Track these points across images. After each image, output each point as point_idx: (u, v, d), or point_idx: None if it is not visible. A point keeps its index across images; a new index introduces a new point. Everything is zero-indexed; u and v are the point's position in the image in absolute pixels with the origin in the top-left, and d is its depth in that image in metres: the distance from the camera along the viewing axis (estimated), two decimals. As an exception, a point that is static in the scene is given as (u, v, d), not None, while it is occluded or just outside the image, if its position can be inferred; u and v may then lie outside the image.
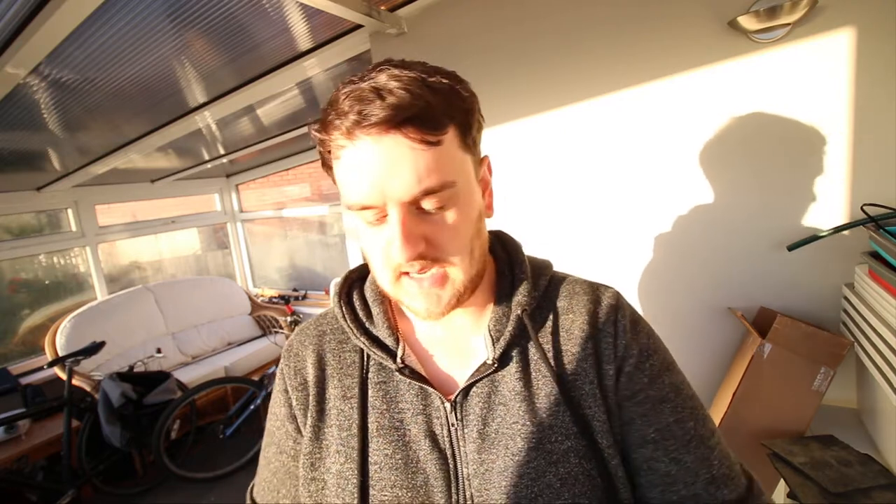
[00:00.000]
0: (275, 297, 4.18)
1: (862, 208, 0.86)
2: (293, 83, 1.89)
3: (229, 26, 1.29)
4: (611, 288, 0.59)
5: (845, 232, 0.93)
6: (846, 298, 0.92)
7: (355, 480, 0.51)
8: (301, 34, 1.42)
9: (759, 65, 0.97)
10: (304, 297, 4.09)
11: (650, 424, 0.50)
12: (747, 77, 0.99)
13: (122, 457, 2.73)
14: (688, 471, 0.49)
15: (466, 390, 0.52)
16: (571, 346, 0.53)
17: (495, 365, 0.51)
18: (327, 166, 0.51)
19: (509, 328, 0.53)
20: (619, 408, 0.51)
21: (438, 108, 0.44)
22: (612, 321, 0.54)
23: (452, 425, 0.51)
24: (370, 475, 0.51)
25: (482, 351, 0.54)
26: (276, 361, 3.33)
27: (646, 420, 0.50)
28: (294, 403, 0.58)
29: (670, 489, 0.49)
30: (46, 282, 3.30)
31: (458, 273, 0.49)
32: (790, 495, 0.76)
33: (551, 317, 0.55)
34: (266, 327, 3.97)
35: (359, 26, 1.38)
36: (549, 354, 0.53)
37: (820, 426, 0.91)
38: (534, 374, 0.52)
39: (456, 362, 0.56)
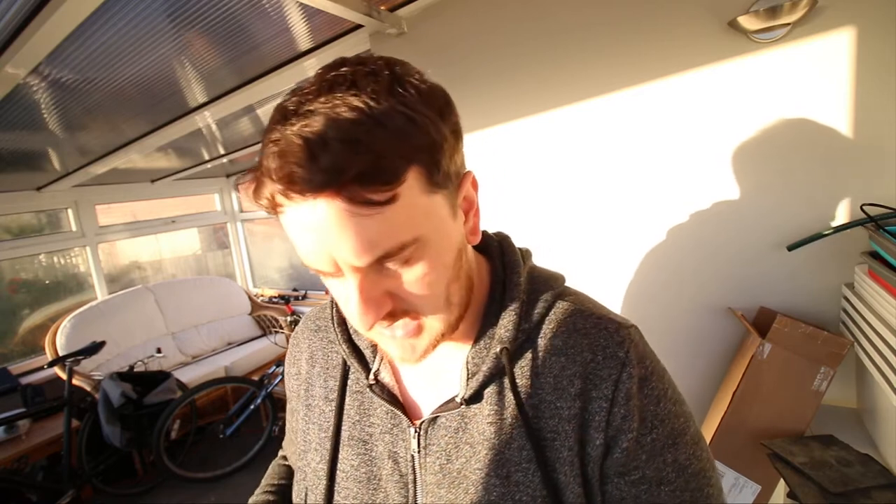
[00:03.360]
0: (275, 297, 4.18)
1: (862, 208, 0.86)
2: (293, 83, 1.89)
3: (229, 26, 1.29)
4: (625, 328, 0.48)
5: (845, 232, 0.93)
6: (846, 298, 0.92)
7: (325, 483, 0.51)
8: (301, 34, 1.42)
9: (759, 65, 0.97)
10: (304, 297, 4.09)
11: None
12: (747, 77, 0.99)
13: (122, 457, 2.74)
14: None
15: (434, 419, 0.49)
16: (555, 399, 0.45)
17: (463, 404, 0.47)
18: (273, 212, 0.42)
19: (485, 367, 0.47)
20: (606, 481, 0.45)
21: (390, 155, 0.35)
22: (613, 381, 0.44)
23: (415, 451, 0.49)
24: (337, 482, 0.51)
25: (456, 381, 0.49)
26: (276, 361, 3.35)
27: (638, 502, 0.44)
28: (292, 389, 0.61)
29: None
30: (46, 282, 3.30)
31: (434, 322, 0.43)
32: (790, 495, 0.76)
33: (539, 357, 0.47)
34: (266, 327, 3.97)
35: (359, 26, 1.38)
36: (527, 403, 0.46)
37: (820, 426, 0.91)
38: (508, 420, 0.46)
39: (430, 387, 0.52)
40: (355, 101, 0.35)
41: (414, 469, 0.49)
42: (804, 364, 0.87)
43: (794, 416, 0.89)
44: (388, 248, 0.37)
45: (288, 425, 0.67)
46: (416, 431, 0.49)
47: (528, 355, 0.48)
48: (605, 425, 0.44)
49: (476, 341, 0.49)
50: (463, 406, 0.47)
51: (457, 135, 0.43)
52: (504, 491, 0.45)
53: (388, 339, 0.44)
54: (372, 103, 0.35)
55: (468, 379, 0.48)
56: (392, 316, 0.41)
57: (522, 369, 0.47)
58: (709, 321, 1.11)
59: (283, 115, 0.37)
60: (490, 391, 0.47)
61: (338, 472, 0.51)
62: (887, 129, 0.88)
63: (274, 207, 0.38)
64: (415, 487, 0.48)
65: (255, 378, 3.08)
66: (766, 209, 1.01)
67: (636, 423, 0.44)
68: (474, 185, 0.46)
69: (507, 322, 0.48)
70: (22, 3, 0.98)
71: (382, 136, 0.35)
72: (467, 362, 0.48)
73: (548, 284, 0.51)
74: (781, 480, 0.88)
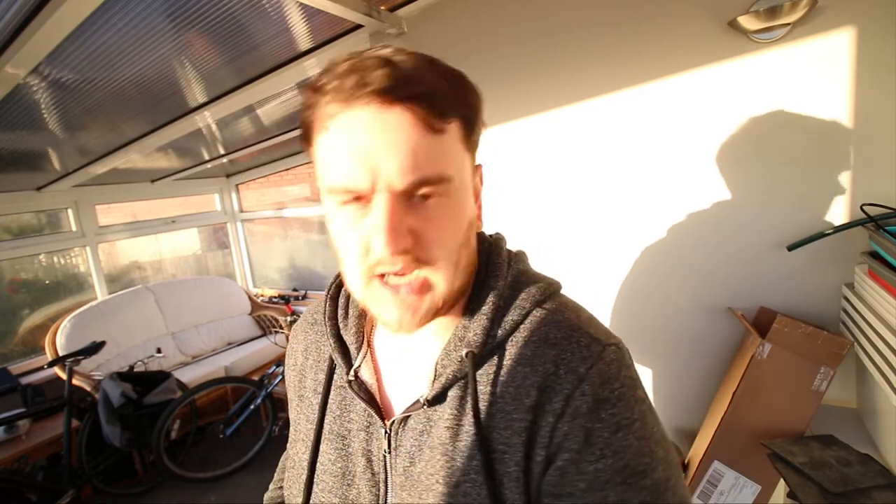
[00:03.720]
0: (275, 297, 4.18)
1: (862, 208, 0.86)
2: (293, 83, 1.89)
3: (229, 26, 1.29)
4: (600, 344, 0.44)
5: (845, 232, 0.93)
6: (846, 298, 0.92)
7: (306, 474, 0.52)
8: (301, 34, 1.42)
9: (759, 65, 0.97)
10: (304, 297, 4.09)
11: None
12: (747, 77, 0.99)
13: (122, 457, 2.74)
14: None
15: (404, 420, 0.48)
16: (513, 410, 0.43)
17: (425, 405, 0.47)
18: (307, 140, 0.43)
19: (449, 370, 0.46)
20: (533, 499, 0.42)
21: (447, 96, 0.40)
22: (565, 396, 0.41)
23: (386, 451, 0.49)
24: (316, 474, 0.52)
25: (425, 383, 0.48)
26: (276, 361, 3.35)
27: None
28: (290, 380, 0.62)
29: None
30: (46, 282, 3.30)
31: (440, 281, 0.42)
32: (790, 495, 0.76)
33: (506, 364, 0.45)
34: (266, 327, 3.97)
35: (359, 26, 1.38)
36: (485, 411, 0.44)
37: (820, 426, 0.91)
38: (464, 427, 0.44)
39: (405, 386, 0.51)
40: (418, 53, 0.40)
41: (385, 468, 0.49)
42: (804, 364, 0.87)
43: (794, 416, 0.89)
44: (430, 174, 0.39)
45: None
46: (386, 432, 0.49)
47: (495, 362, 0.46)
48: (547, 441, 0.41)
49: (447, 343, 0.48)
50: (426, 407, 0.47)
51: (483, 122, 0.47)
52: (450, 501, 0.43)
53: (389, 300, 0.42)
54: (432, 58, 0.41)
55: (433, 380, 0.47)
56: (406, 254, 0.40)
57: (486, 376, 0.46)
58: (709, 321, 1.11)
59: (338, 61, 0.40)
60: (453, 394, 0.46)
61: (318, 464, 0.52)
62: (887, 129, 0.88)
63: (314, 122, 0.41)
64: (386, 487, 0.49)
65: (255, 378, 3.07)
66: (767, 209, 1.01)
67: (578, 444, 0.40)
68: (481, 179, 0.50)
69: (476, 326, 0.47)
70: (22, 3, 0.98)
71: (441, 78, 0.40)
72: (436, 364, 0.48)
73: (530, 291, 0.48)
74: (781, 480, 0.88)
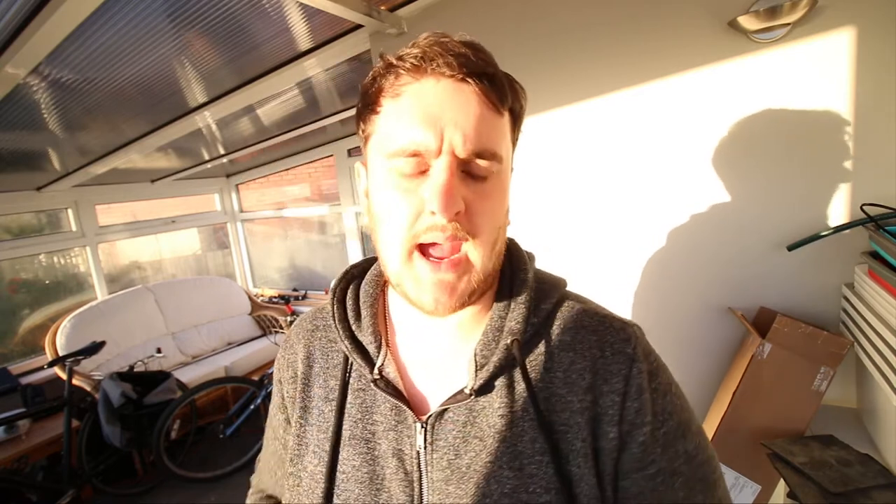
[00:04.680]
0: (275, 297, 4.19)
1: (862, 208, 0.86)
2: (293, 83, 1.89)
3: (229, 26, 1.29)
4: (630, 327, 0.50)
5: (845, 232, 0.93)
6: (846, 298, 0.92)
7: (323, 486, 0.49)
8: (301, 34, 1.42)
9: (759, 65, 0.97)
10: (304, 297, 4.09)
11: (659, 499, 0.45)
12: (747, 77, 0.99)
13: (122, 457, 2.74)
14: None
15: (441, 414, 0.48)
16: (566, 393, 0.46)
17: (472, 395, 0.47)
18: (371, 107, 0.46)
19: (495, 358, 0.47)
20: (623, 477, 0.46)
21: (506, 86, 0.45)
22: (624, 376, 0.46)
23: (421, 447, 0.48)
24: (336, 483, 0.49)
25: (464, 374, 0.49)
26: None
27: (655, 494, 0.45)
28: (285, 395, 0.58)
29: None
30: (46, 282, 3.30)
31: (477, 259, 0.44)
32: (790, 495, 0.76)
33: (549, 351, 0.49)
34: (266, 327, 3.97)
35: (359, 26, 1.38)
36: (540, 396, 0.47)
37: (820, 426, 0.91)
38: (519, 413, 0.46)
39: (436, 381, 0.52)
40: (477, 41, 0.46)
41: (419, 466, 0.48)
42: (804, 364, 0.87)
43: (794, 416, 0.89)
44: (488, 147, 0.43)
45: (267, 450, 0.63)
46: (422, 427, 0.48)
47: (538, 349, 0.49)
48: (618, 419, 0.45)
49: (484, 334, 0.49)
50: (471, 398, 0.47)
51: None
52: (517, 483, 0.44)
53: (428, 277, 0.44)
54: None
55: (477, 370, 0.48)
56: (457, 221, 0.42)
57: (532, 363, 0.49)
58: (709, 321, 1.11)
59: (418, 40, 0.45)
60: (500, 383, 0.48)
61: (338, 473, 0.50)
62: (887, 129, 0.88)
63: (383, 91, 0.45)
64: (420, 485, 0.47)
65: (255, 378, 3.08)
66: (766, 209, 1.01)
67: (650, 416, 0.46)
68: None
69: (517, 315, 0.49)
70: (22, 3, 0.98)
71: (502, 73, 0.46)
72: (475, 354, 0.48)
73: (552, 285, 0.53)
74: (781, 480, 0.88)
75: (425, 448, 0.48)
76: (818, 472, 0.73)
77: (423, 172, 0.43)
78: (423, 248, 0.44)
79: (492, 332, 0.49)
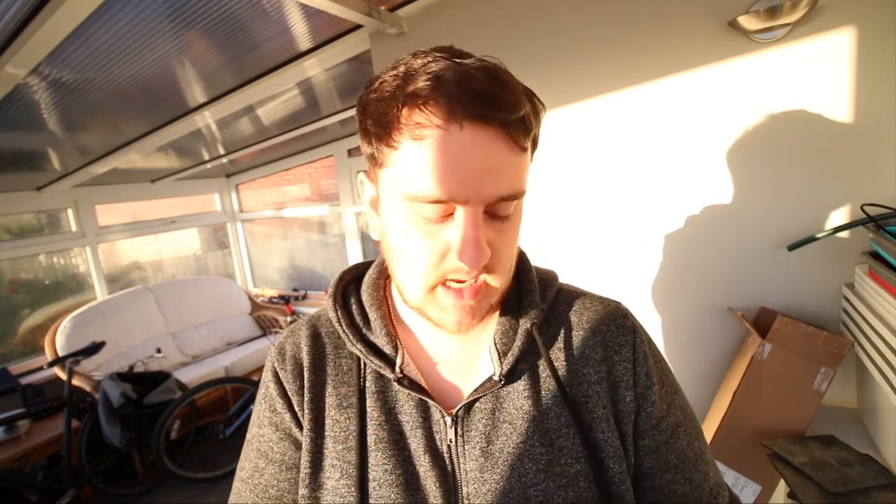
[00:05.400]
0: (275, 297, 4.19)
1: (862, 208, 0.86)
2: (293, 83, 1.89)
3: (229, 26, 1.29)
4: (621, 304, 0.56)
5: (845, 232, 0.93)
6: (846, 298, 0.92)
7: (352, 498, 0.47)
8: (301, 34, 1.42)
9: (759, 65, 0.97)
10: (304, 297, 4.09)
11: (671, 451, 0.50)
12: (747, 77, 0.99)
13: (122, 457, 2.74)
14: (698, 487, 0.51)
15: (469, 405, 0.49)
16: (583, 367, 0.50)
17: (502, 381, 0.49)
18: (384, 141, 0.42)
19: (518, 342, 0.50)
20: (642, 436, 0.50)
21: (531, 118, 0.43)
22: (631, 345, 0.51)
23: (453, 441, 0.48)
24: (369, 493, 0.47)
25: (487, 364, 0.51)
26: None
27: (668, 447, 0.50)
28: (296, 409, 0.53)
29: None
30: (46, 282, 3.30)
31: (497, 284, 0.46)
32: (790, 495, 0.76)
33: (561, 332, 0.53)
34: (266, 327, 3.97)
35: (359, 26, 1.38)
36: (561, 373, 0.50)
37: (820, 426, 0.91)
38: (543, 392, 0.49)
39: (458, 374, 0.53)
40: (495, 63, 0.42)
41: (452, 460, 0.48)
42: (804, 364, 0.87)
43: (795, 416, 0.89)
44: (513, 190, 0.42)
45: (256, 481, 0.53)
46: (452, 420, 0.48)
47: (551, 332, 0.53)
48: (632, 384, 0.50)
49: (500, 323, 0.52)
50: (500, 385, 0.49)
51: None
52: (550, 458, 0.47)
53: (451, 304, 0.45)
54: (509, 73, 0.43)
55: (501, 357, 0.50)
56: (483, 265, 0.42)
57: (551, 343, 0.52)
58: (709, 321, 1.11)
59: (439, 54, 0.41)
60: (523, 367, 0.50)
61: (369, 481, 0.48)
62: (887, 129, 0.88)
63: (402, 125, 0.40)
64: (455, 480, 0.47)
65: (255, 378, 3.08)
66: (767, 209, 1.01)
67: (655, 378, 0.51)
68: None
69: (530, 302, 0.52)
70: (22, 3, 0.98)
71: (525, 98, 0.42)
72: (495, 343, 0.51)
73: (550, 276, 0.57)
74: (781, 480, 0.88)
75: (456, 441, 0.48)
76: (818, 473, 0.73)
77: (447, 216, 0.42)
78: (445, 280, 0.45)
79: (508, 322, 0.52)
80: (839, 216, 0.95)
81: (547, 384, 0.50)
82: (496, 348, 0.50)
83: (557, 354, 0.51)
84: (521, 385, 0.50)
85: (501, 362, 0.49)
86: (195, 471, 2.74)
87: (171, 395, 2.68)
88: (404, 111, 0.40)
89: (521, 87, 0.43)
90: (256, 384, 2.99)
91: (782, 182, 0.99)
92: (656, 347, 0.56)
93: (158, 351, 3.09)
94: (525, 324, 0.51)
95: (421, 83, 0.39)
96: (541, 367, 0.51)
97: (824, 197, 0.96)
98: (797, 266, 1.00)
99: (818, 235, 0.94)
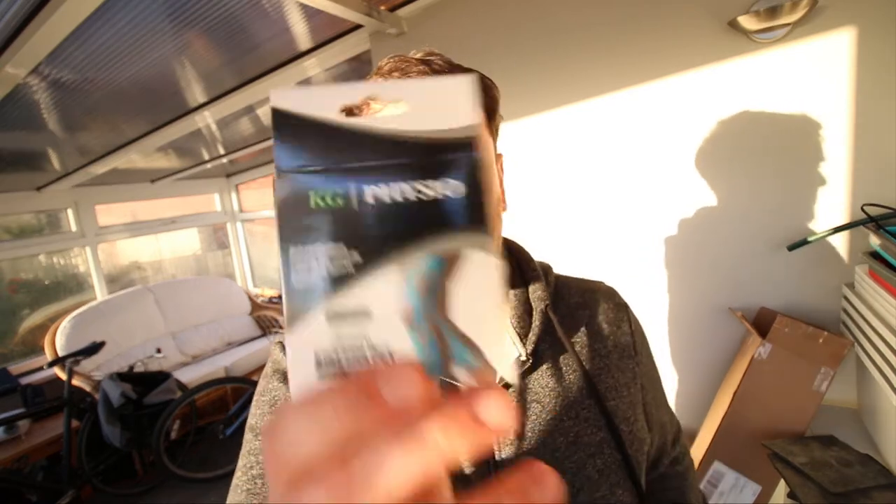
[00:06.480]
0: (275, 297, 4.18)
1: (862, 208, 0.86)
2: (293, 83, 1.89)
3: (229, 26, 1.29)
4: (608, 284, 0.62)
5: (845, 232, 0.93)
6: (846, 298, 0.92)
7: None
8: (301, 34, 1.42)
9: (760, 65, 0.97)
10: (304, 297, 4.09)
11: (657, 400, 0.58)
12: (747, 77, 0.99)
13: (122, 457, 2.73)
14: (672, 423, 0.62)
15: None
16: (592, 342, 0.55)
17: (530, 360, 0.51)
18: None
19: (537, 323, 0.53)
20: (645, 392, 0.56)
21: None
22: (627, 320, 0.58)
23: None
24: None
25: (507, 347, 0.53)
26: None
27: (657, 396, 0.58)
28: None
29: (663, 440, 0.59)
30: (46, 282, 3.30)
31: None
32: (790, 495, 0.76)
33: (569, 312, 0.57)
34: (266, 327, 3.97)
35: (359, 26, 1.38)
36: (577, 348, 0.54)
37: (820, 426, 0.91)
38: (564, 369, 0.53)
39: None
40: (440, 53, 0.48)
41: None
42: (804, 364, 0.87)
43: (795, 416, 0.89)
44: None
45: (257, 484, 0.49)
46: None
47: (561, 311, 0.57)
48: (634, 352, 0.56)
49: (514, 308, 0.55)
50: (527, 365, 0.51)
51: (500, 115, 0.55)
52: (578, 430, 0.50)
53: None
54: (449, 59, 0.49)
55: (522, 340, 0.52)
56: None
57: (562, 322, 0.55)
58: (709, 321, 1.11)
59: (382, 63, 0.48)
60: (543, 346, 0.53)
61: None
62: (887, 129, 0.88)
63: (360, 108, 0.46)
64: (491, 469, 0.48)
65: (255, 378, 3.07)
66: (767, 209, 1.01)
67: (646, 344, 0.59)
68: (502, 168, 0.57)
69: (538, 286, 0.56)
70: (22, 3, 0.98)
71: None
72: (513, 327, 0.53)
73: (546, 265, 0.62)
74: (781, 480, 0.88)
75: None
76: (818, 473, 0.73)
77: None
78: None
79: (520, 306, 0.54)
80: (840, 216, 0.95)
81: (566, 360, 0.53)
82: (515, 331, 0.53)
83: (570, 332, 0.55)
84: (543, 363, 0.53)
85: (524, 343, 0.52)
86: (195, 471, 2.74)
87: (171, 396, 2.68)
88: (363, 108, 0.47)
89: (460, 67, 0.50)
90: (256, 384, 2.99)
91: (782, 182, 0.99)
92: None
93: (158, 351, 3.09)
94: (539, 305, 0.54)
95: (372, 75, 0.48)
96: (559, 344, 0.54)
97: (825, 197, 0.96)
98: (797, 266, 1.00)
99: (818, 235, 0.94)
